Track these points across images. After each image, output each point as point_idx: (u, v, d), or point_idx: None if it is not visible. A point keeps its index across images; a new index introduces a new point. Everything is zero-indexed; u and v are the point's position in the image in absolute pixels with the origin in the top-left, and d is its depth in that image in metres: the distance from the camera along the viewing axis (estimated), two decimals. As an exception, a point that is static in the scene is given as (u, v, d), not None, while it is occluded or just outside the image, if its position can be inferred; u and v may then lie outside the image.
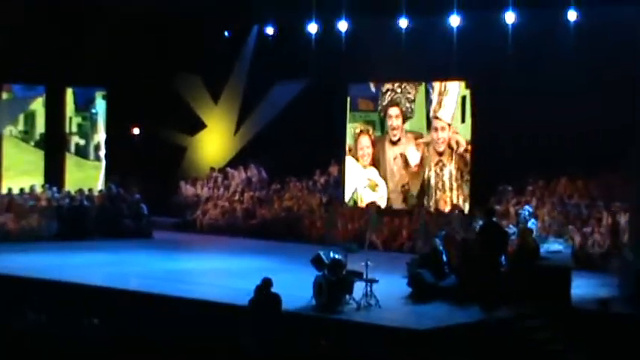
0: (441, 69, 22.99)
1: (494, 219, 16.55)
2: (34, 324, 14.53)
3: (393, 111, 24.23)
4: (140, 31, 27.32)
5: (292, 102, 26.93)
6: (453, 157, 23.10)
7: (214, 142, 29.55)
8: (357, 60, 24.68)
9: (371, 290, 15.08)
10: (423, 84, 23.56)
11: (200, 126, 29.70)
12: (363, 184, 24.84)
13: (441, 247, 16.64)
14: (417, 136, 23.78)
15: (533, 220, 19.13)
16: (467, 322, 14.42)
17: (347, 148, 25.05)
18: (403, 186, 24.07)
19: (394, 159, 24.20)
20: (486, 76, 22.07)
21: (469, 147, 22.73)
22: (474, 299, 15.23)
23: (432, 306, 15.39)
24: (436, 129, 23.44)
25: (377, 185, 24.64)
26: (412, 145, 23.89)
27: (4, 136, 27.03)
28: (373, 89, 24.61)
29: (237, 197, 27.02)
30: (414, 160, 23.97)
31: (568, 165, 21.74)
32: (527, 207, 19.95)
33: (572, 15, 21.45)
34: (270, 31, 27.28)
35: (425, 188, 23.59)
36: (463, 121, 22.90)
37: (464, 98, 22.86)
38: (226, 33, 28.39)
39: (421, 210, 23.01)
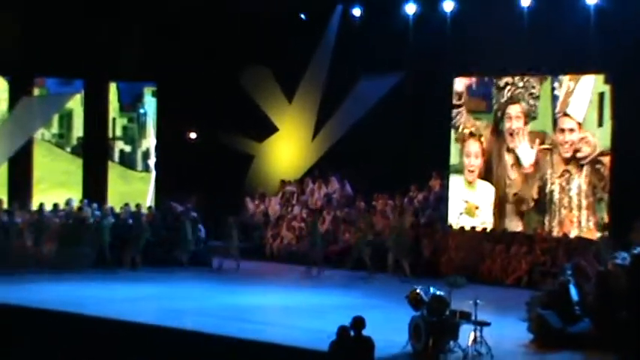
0: (574, 59, 22.75)
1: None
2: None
3: (514, 109, 24.09)
4: (198, 13, 27.60)
5: (383, 100, 26.94)
6: (584, 168, 22.86)
7: (287, 149, 29.83)
8: (466, 48, 24.58)
9: (481, 335, 15.07)
10: (549, 78, 23.41)
11: (270, 130, 30.00)
12: (460, 208, 24.78)
13: (571, 283, 16.35)
14: (541, 137, 23.56)
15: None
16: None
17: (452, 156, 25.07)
18: (515, 194, 23.89)
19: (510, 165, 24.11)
20: (632, 68, 21.74)
21: (607, 156, 22.40)
22: (613, 349, 15.05)
23: (559, 357, 15.37)
24: (562, 130, 23.20)
25: (477, 208, 24.52)
26: (525, 142, 23.71)
27: (36, 140, 27.61)
28: (487, 85, 24.60)
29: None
30: (527, 159, 23.73)
31: None
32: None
33: None
34: (356, 12, 27.40)
35: (545, 202, 23.35)
36: (600, 124, 22.66)
37: (601, 96, 22.60)
38: (303, 15, 28.56)
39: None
